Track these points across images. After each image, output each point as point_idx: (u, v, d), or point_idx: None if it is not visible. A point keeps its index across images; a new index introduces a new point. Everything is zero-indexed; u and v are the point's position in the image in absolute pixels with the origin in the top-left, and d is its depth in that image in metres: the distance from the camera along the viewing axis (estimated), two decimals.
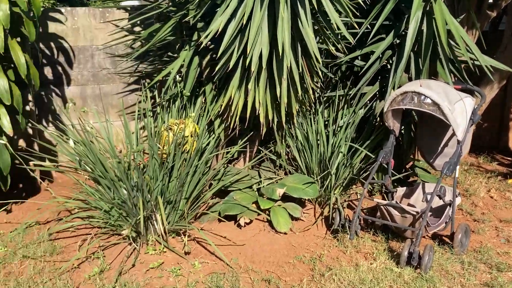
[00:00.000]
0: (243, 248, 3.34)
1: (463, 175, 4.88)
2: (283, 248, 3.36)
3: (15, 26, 3.54)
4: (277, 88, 3.25)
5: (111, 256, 3.19)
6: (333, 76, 4.24)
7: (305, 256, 3.25)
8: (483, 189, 4.48)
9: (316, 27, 3.40)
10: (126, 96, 4.65)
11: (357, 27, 3.39)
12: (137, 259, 3.15)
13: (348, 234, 3.41)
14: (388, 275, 3.00)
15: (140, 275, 3.00)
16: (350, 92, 4.03)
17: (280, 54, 3.03)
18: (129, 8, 4.47)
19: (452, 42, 3.63)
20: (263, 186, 3.76)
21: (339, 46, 3.63)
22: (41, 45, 4.32)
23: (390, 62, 3.88)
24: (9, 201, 3.75)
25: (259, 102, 3.30)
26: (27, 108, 4.04)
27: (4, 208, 3.71)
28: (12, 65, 3.54)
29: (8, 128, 3.46)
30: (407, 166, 4.36)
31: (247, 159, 4.01)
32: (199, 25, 3.56)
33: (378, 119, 4.00)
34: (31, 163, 3.90)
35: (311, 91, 3.54)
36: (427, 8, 3.45)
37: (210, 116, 3.66)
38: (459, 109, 3.19)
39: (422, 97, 3.16)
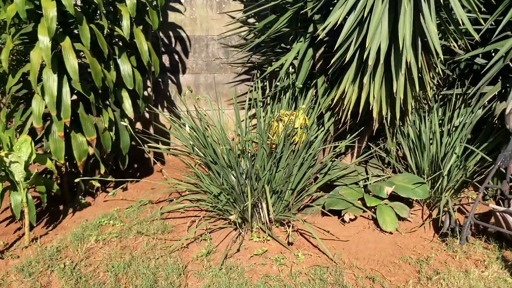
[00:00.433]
0: (346, 244, 3.30)
1: None
2: (388, 248, 3.28)
3: (139, 15, 3.74)
4: (394, 83, 3.16)
5: (217, 239, 3.30)
6: (450, 74, 4.04)
7: (411, 258, 3.14)
8: None
9: (438, 22, 3.25)
10: (236, 85, 4.75)
11: (483, 23, 3.20)
12: (241, 244, 3.23)
13: (457, 238, 3.25)
14: (501, 286, 2.83)
15: (244, 261, 3.07)
16: (468, 91, 3.82)
17: (400, 49, 2.94)
18: (245, 0, 4.55)
19: None
20: (370, 183, 3.69)
21: (460, 42, 3.45)
22: (161, 34, 4.53)
23: None
24: (126, 179, 3.98)
25: (374, 97, 3.23)
26: (145, 93, 4.26)
27: (121, 186, 3.95)
28: (135, 52, 3.75)
29: (129, 111, 3.67)
30: None
31: (355, 154, 3.94)
32: (316, 17, 3.54)
33: (498, 121, 3.76)
34: (146, 145, 4.13)
35: (428, 88, 3.40)
36: None
37: (320, 109, 3.64)
38: None
39: None
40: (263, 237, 3.30)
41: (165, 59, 4.60)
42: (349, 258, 3.13)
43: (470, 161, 3.68)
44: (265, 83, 4.29)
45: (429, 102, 3.92)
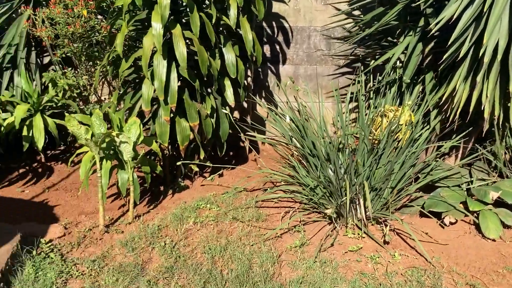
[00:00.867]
0: (445, 248, 3.16)
1: None
2: (490, 255, 3.10)
3: (246, 4, 3.77)
4: (510, 83, 2.96)
5: (311, 232, 3.28)
6: None
7: None
8: None
9: None
10: (336, 78, 4.68)
11: None
12: (335, 239, 3.19)
13: None
14: None
15: (338, 256, 3.03)
16: None
17: None
18: None
19: None
20: (474, 187, 3.50)
21: None
22: (263, 24, 4.56)
23: None
24: (224, 166, 4.06)
25: (486, 96, 3.05)
26: (245, 82, 4.31)
27: (218, 172, 4.04)
28: (239, 41, 3.80)
29: (231, 99, 3.73)
30: None
31: (459, 155, 3.75)
32: (428, 10, 3.40)
33: None
34: (244, 134, 4.18)
35: None
36: None
37: (427, 106, 3.49)
38: None
39: None
40: (358, 234, 3.24)
41: (266, 49, 4.63)
42: (448, 263, 2.99)
43: None
44: (367, 77, 4.19)
45: None
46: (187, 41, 3.56)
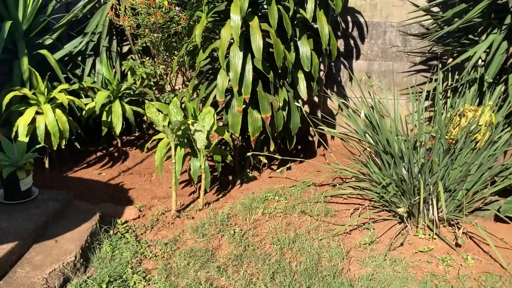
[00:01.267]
0: None
1: None
2: None
3: None
4: None
5: (380, 230, 3.23)
6: None
7: None
8: None
9: None
10: (411, 75, 4.58)
11: None
12: (405, 239, 3.13)
13: None
14: None
15: (408, 255, 2.97)
16: None
17: None
18: None
19: None
20: None
21: None
22: (338, 18, 4.52)
23: None
24: (294, 159, 4.06)
25: None
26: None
27: (287, 165, 4.05)
28: (313, 35, 3.78)
29: (303, 92, 3.73)
30: None
31: None
32: None
33: None
34: (317, 128, 4.17)
35: None
36: None
37: (510, 107, 3.35)
38: None
39: None
40: (429, 235, 3.16)
41: (340, 43, 4.58)
42: None
43: None
44: (444, 75, 4.06)
45: None
46: (262, 33, 3.58)
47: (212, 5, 3.44)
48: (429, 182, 3.13)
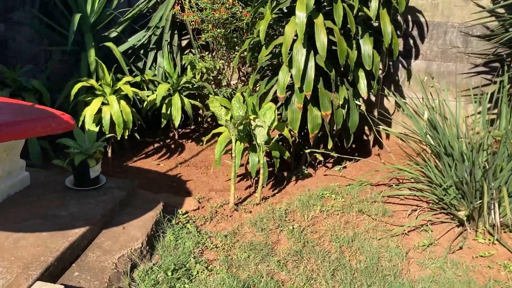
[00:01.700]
0: None
1: None
2: None
3: None
4: None
5: (438, 233, 3.20)
6: None
7: None
8: None
9: None
10: (470, 77, 4.48)
11: None
12: (464, 243, 3.08)
13: None
14: None
15: (467, 259, 2.93)
16: None
17: None
18: None
19: None
20: None
21: None
22: (398, 17, 4.46)
23: None
24: (352, 157, 4.05)
25: None
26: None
27: (344, 164, 4.05)
28: (374, 34, 3.76)
29: (363, 91, 3.71)
30: None
31: None
32: None
33: None
34: (373, 127, 4.15)
35: None
36: None
37: None
38: None
39: None
40: (489, 240, 3.10)
41: (399, 42, 4.53)
42: None
43: None
44: (509, 78, 3.97)
45: None
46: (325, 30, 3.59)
47: (277, 2, 3.47)
48: (492, 186, 3.08)
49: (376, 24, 3.92)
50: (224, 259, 2.79)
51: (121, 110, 3.65)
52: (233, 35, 4.00)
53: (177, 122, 4.05)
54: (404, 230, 3.18)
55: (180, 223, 3.08)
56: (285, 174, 3.98)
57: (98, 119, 3.64)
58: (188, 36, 4.52)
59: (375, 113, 4.52)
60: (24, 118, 2.56)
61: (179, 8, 3.94)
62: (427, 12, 4.44)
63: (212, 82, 4.34)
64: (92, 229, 2.63)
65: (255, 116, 3.24)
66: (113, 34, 4.14)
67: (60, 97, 3.80)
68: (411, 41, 4.54)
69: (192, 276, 2.63)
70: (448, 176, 3.26)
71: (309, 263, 2.81)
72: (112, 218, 2.84)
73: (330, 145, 3.79)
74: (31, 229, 2.52)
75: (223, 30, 3.85)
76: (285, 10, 3.68)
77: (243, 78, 4.72)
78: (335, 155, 3.96)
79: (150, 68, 4.32)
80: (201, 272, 2.67)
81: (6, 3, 4.77)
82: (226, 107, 3.47)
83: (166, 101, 4.09)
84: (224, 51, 4.20)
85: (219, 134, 3.65)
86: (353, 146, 4.62)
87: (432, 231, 3.21)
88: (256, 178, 3.64)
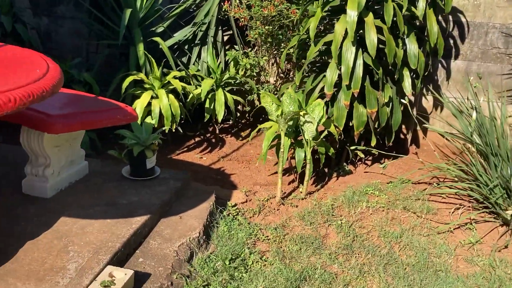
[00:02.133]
0: None
1: None
2: None
3: None
4: None
5: (481, 231, 3.24)
6: None
7: None
8: None
9: None
10: (510, 78, 4.50)
11: None
12: (510, 241, 3.12)
13: None
14: None
15: None
16: None
17: None
18: None
19: None
20: None
21: None
22: (439, 17, 4.49)
23: None
24: (396, 155, 4.08)
25: None
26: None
27: (383, 165, 4.10)
28: (419, 33, 3.80)
29: (408, 90, 3.76)
30: None
31: None
32: None
33: None
34: (403, 125, 4.18)
35: None
36: None
37: None
38: None
39: None
40: None
41: None
42: None
43: None
44: None
45: None
46: None
47: (327, 1, 3.52)
48: None
49: (417, 23, 3.96)
50: (276, 251, 2.86)
51: (169, 104, 3.74)
52: (279, 32, 4.06)
53: (220, 117, 4.13)
54: (450, 228, 3.23)
55: (230, 214, 3.16)
56: (326, 170, 4.04)
57: (146, 112, 3.73)
58: (228, 32, 4.59)
59: (414, 112, 4.56)
60: (92, 109, 2.65)
61: (229, 5, 4.01)
62: (469, 12, 4.46)
63: (254, 78, 4.41)
64: (152, 217, 2.72)
65: (305, 112, 3.30)
66: (160, 29, 4.23)
67: (109, 89, 3.90)
68: (451, 41, 4.56)
69: (247, 266, 2.70)
70: (495, 176, 3.30)
71: (360, 257, 2.87)
72: (169, 208, 2.93)
73: (373, 142, 3.84)
74: (96, 216, 2.62)
75: (270, 27, 3.92)
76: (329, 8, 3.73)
77: (281, 75, 4.79)
78: (376, 152, 4.01)
79: (193, 63, 4.40)
80: (256, 262, 2.74)
81: None
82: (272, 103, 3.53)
83: (209, 96, 4.17)
84: (267, 48, 4.27)
85: (258, 129, 3.72)
86: (390, 144, 4.66)
87: (476, 229, 3.25)
88: (298, 174, 3.71)
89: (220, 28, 4.40)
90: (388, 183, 3.83)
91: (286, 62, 4.59)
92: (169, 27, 4.36)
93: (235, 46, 4.49)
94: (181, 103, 3.90)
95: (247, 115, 4.84)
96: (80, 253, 2.33)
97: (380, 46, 3.57)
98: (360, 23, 3.43)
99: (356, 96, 3.53)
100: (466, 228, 3.28)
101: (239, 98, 4.37)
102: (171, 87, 3.86)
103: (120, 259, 2.40)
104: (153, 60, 3.85)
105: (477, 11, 4.45)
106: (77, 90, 3.77)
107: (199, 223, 2.83)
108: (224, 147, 4.43)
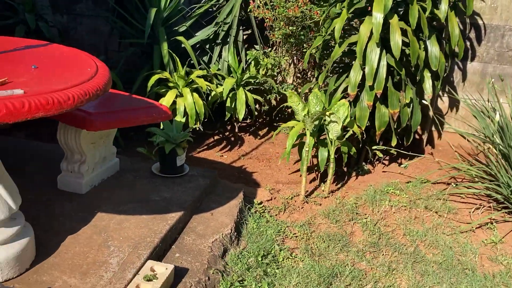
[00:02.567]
0: None
1: None
2: None
3: None
4: None
5: (502, 231, 3.30)
6: None
7: None
8: None
9: None
10: None
11: None
12: None
13: None
14: None
15: None
16: None
17: None
18: None
19: None
20: None
21: None
22: (457, 19, 4.54)
23: None
24: (415, 154, 4.14)
25: None
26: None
27: (404, 165, 4.16)
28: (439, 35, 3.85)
29: (429, 91, 3.82)
30: None
31: None
32: None
33: None
34: (418, 126, 4.23)
35: None
36: None
37: None
38: None
39: None
40: None
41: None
42: None
43: None
44: None
45: None
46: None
47: (353, 2, 3.57)
48: None
49: (436, 25, 4.02)
50: (305, 248, 2.92)
51: (194, 102, 3.79)
52: (301, 32, 4.11)
53: (241, 116, 4.18)
54: (472, 227, 3.29)
55: (257, 212, 3.21)
56: (345, 169, 4.09)
57: (171, 111, 3.77)
58: (246, 32, 4.64)
59: (430, 113, 4.62)
60: (129, 107, 2.70)
61: (254, 5, 4.06)
62: (486, 15, 4.51)
63: (274, 78, 4.46)
64: (185, 214, 2.77)
65: (331, 111, 3.35)
66: (182, 29, 4.27)
67: (133, 88, 3.95)
68: (468, 43, 4.62)
69: (278, 262, 2.76)
70: None
71: (387, 254, 2.93)
72: (200, 204, 2.98)
73: (394, 142, 3.90)
74: (131, 211, 2.67)
75: (294, 28, 3.97)
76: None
77: (298, 75, 4.84)
78: (395, 152, 4.07)
79: (213, 63, 4.45)
80: (286, 259, 2.80)
81: None
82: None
83: (230, 95, 4.22)
84: (287, 48, 4.32)
85: (273, 128, 3.77)
86: (407, 144, 4.72)
87: (496, 229, 3.31)
88: (318, 172, 3.76)
89: (240, 28, 4.45)
90: (407, 182, 3.89)
91: (302, 62, 4.65)
92: (190, 26, 4.40)
93: (255, 46, 4.54)
94: (204, 102, 3.95)
95: (263, 114, 4.89)
96: (120, 247, 2.39)
97: (403, 47, 3.62)
98: (384, 24, 3.48)
99: (378, 96, 3.58)
100: (487, 227, 3.34)
101: (259, 97, 4.42)
102: (195, 86, 3.90)
103: (158, 254, 2.45)
104: (177, 59, 3.90)
105: (494, 14, 4.51)
106: None
107: (230, 220, 2.89)
108: (243, 146, 4.48)
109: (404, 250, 2.97)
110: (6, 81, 1.76)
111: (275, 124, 4.91)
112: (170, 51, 3.96)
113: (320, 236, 3.06)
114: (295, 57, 4.65)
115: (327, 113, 3.33)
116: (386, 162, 4.27)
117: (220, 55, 4.46)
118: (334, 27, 3.55)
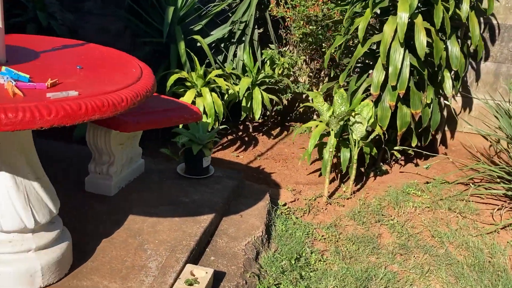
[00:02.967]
0: None
1: None
2: None
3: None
4: None
5: None
6: None
7: None
8: None
9: None
10: None
11: None
12: None
13: None
14: None
15: None
16: None
17: None
18: None
19: None
20: None
21: None
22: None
23: None
24: (433, 154, 4.12)
25: None
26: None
27: (426, 165, 4.15)
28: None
29: (449, 91, 3.81)
30: None
31: None
32: None
33: None
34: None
35: None
36: None
37: None
38: None
39: None
40: None
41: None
42: None
43: None
44: None
45: None
46: None
47: (376, 2, 3.54)
48: None
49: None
50: (335, 250, 2.89)
51: (213, 102, 3.74)
52: (319, 32, 4.08)
53: (257, 116, 4.15)
54: (497, 228, 3.28)
55: (283, 213, 3.18)
56: (362, 169, 4.07)
57: None
58: (259, 31, 4.60)
59: (445, 113, 4.62)
60: (160, 108, 2.65)
61: (274, 4, 4.02)
62: (500, 15, 4.51)
63: (291, 78, 4.43)
64: (216, 216, 2.73)
65: (356, 112, 3.32)
66: (198, 27, 4.22)
67: None
68: (482, 43, 4.62)
69: (311, 265, 2.72)
70: None
71: (418, 257, 2.91)
72: (229, 206, 2.94)
73: (414, 142, 3.88)
74: (163, 214, 2.62)
75: (314, 27, 3.94)
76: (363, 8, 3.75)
77: (310, 74, 4.81)
78: (412, 152, 4.06)
79: (228, 62, 4.40)
80: (318, 261, 2.77)
81: None
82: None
83: (246, 94, 4.17)
84: (303, 47, 4.29)
85: (286, 128, 3.73)
86: (419, 144, 4.71)
87: None
88: (339, 173, 3.74)
89: (256, 27, 4.41)
90: (425, 183, 3.88)
91: (315, 62, 4.62)
92: (205, 25, 4.35)
93: (269, 45, 4.49)
94: (222, 102, 3.90)
95: (275, 114, 4.85)
96: (157, 251, 2.34)
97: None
98: (408, 24, 3.46)
99: (401, 97, 3.57)
100: (510, 228, 3.34)
101: (274, 97, 4.38)
102: (212, 85, 3.85)
103: (194, 257, 2.41)
104: (195, 58, 3.85)
105: (509, 14, 4.51)
106: None
107: (260, 222, 2.85)
108: (258, 146, 4.44)
109: (435, 252, 2.95)
110: (57, 82, 1.70)
111: (286, 124, 4.88)
112: (188, 50, 3.90)
113: (349, 238, 3.03)
114: (307, 57, 4.62)
115: (353, 114, 3.30)
116: (402, 163, 4.25)
117: (234, 54, 4.41)
118: (357, 26, 3.52)
